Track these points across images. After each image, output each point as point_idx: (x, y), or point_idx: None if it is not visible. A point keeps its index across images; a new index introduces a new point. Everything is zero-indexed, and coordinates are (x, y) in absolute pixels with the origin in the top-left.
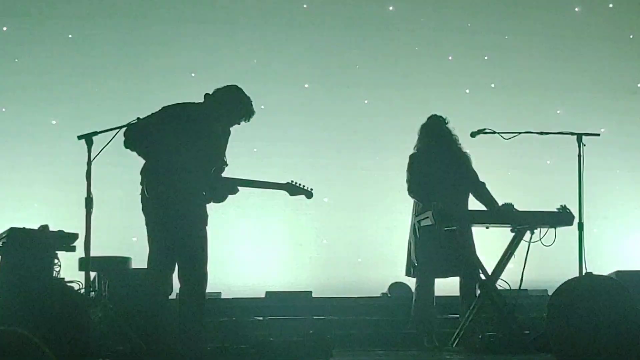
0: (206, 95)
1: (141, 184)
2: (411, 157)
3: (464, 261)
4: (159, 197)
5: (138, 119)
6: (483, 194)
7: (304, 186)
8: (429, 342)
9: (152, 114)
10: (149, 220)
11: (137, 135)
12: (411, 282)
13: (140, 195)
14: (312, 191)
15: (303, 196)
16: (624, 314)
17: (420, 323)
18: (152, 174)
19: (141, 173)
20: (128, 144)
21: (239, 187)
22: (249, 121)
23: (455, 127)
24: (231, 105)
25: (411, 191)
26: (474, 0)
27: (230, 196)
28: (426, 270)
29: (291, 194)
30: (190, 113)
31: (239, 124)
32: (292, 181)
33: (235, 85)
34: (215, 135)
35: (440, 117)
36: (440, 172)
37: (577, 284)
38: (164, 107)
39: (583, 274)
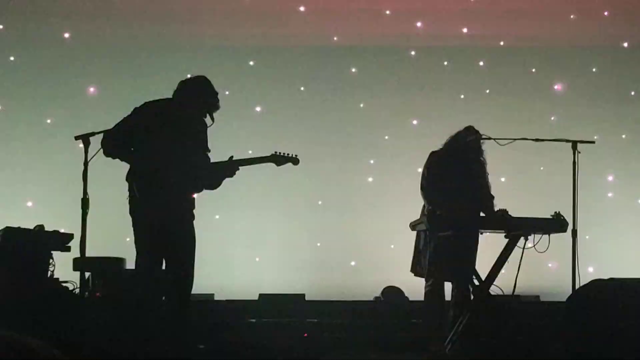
0: (176, 90)
1: (129, 189)
2: (432, 154)
3: (458, 267)
4: (146, 196)
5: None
6: (487, 209)
7: (289, 154)
8: (435, 347)
9: (125, 117)
10: (137, 221)
11: (114, 141)
12: (408, 283)
13: (128, 199)
14: (298, 157)
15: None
16: None
17: (430, 328)
18: (137, 175)
19: (127, 178)
20: (108, 152)
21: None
22: (214, 112)
23: (450, 132)
24: (199, 95)
25: (424, 190)
26: (469, 6)
27: (225, 196)
28: (435, 275)
29: (278, 165)
30: (163, 109)
31: (210, 114)
32: (276, 152)
33: (202, 76)
34: (191, 126)
35: (476, 131)
36: (455, 178)
37: (600, 288)
38: (135, 109)
39: (576, 280)
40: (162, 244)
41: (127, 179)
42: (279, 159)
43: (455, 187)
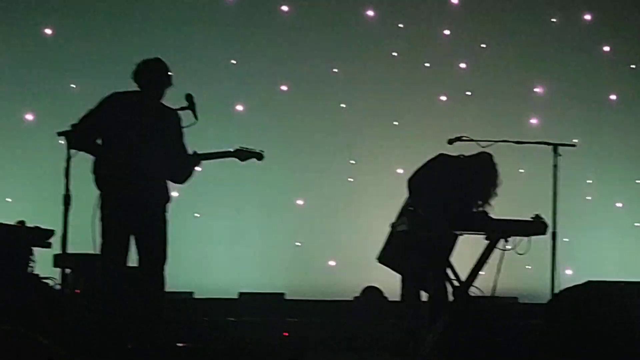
0: (135, 80)
1: (95, 180)
2: (442, 156)
3: (435, 269)
4: (114, 188)
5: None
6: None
7: (253, 150)
8: (414, 349)
9: (92, 109)
10: (105, 212)
11: (80, 134)
12: (388, 284)
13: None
14: (263, 153)
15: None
16: (627, 321)
17: (408, 328)
18: (104, 166)
19: (93, 170)
20: (74, 145)
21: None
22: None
23: (431, 133)
24: (157, 78)
25: (414, 182)
26: (451, 8)
27: (204, 195)
28: (413, 276)
29: (242, 160)
30: (130, 100)
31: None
32: (241, 147)
33: (146, 60)
34: (163, 119)
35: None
36: (453, 194)
37: (580, 291)
38: (101, 100)
39: (555, 283)
40: (131, 235)
41: (92, 171)
42: (243, 154)
43: (445, 197)
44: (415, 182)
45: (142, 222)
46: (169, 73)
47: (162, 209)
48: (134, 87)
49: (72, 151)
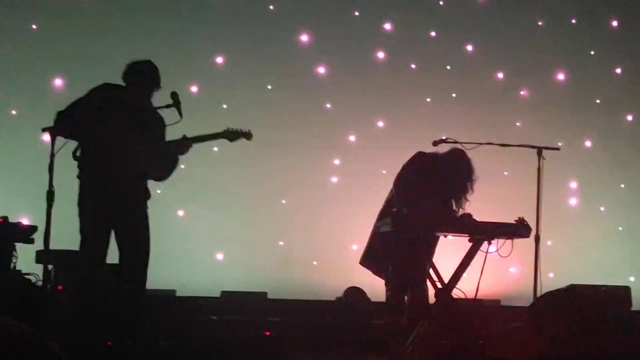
0: (124, 77)
1: (78, 167)
2: (420, 154)
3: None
4: (95, 178)
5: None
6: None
7: (241, 130)
8: (396, 350)
9: (80, 98)
10: (84, 207)
11: (66, 120)
12: (370, 284)
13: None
14: (251, 132)
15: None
16: (609, 325)
17: (390, 329)
18: (87, 157)
19: (75, 158)
20: (58, 131)
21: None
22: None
23: (416, 135)
24: (147, 82)
25: (398, 185)
26: (438, 10)
27: (188, 193)
28: (396, 278)
29: (231, 140)
30: (119, 93)
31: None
32: (229, 127)
33: (137, 61)
34: (147, 115)
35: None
36: (432, 190)
37: (563, 295)
38: (91, 90)
39: (538, 286)
40: (110, 230)
41: (74, 158)
42: (231, 135)
43: (426, 194)
44: (397, 181)
45: (122, 217)
46: (159, 76)
47: (142, 205)
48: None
49: (57, 146)
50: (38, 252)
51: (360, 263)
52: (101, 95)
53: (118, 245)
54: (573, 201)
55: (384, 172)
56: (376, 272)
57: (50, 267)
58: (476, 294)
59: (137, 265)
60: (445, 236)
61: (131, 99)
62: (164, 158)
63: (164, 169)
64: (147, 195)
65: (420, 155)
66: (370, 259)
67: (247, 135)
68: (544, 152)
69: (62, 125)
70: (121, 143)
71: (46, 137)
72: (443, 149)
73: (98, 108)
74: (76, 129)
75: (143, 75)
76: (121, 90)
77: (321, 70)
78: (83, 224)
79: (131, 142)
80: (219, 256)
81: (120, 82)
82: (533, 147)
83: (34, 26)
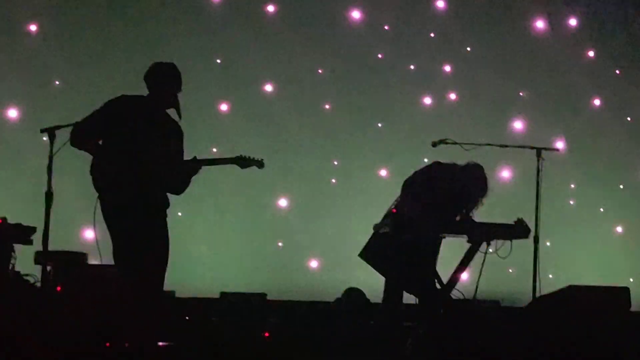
0: (146, 81)
1: (93, 181)
2: (437, 164)
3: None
4: (111, 190)
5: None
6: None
7: (254, 157)
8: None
9: (98, 109)
10: (107, 217)
11: (84, 133)
12: (370, 286)
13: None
14: (263, 161)
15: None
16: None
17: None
18: (102, 169)
19: (91, 171)
20: (75, 143)
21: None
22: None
23: (415, 136)
24: (168, 84)
25: (405, 184)
26: (437, 12)
27: (188, 194)
28: (395, 279)
29: (242, 167)
30: (136, 105)
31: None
32: (241, 155)
33: (160, 62)
34: (166, 126)
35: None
36: (443, 202)
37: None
38: (108, 102)
39: (537, 286)
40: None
41: (91, 173)
42: (243, 161)
43: (437, 206)
44: (407, 184)
45: (142, 227)
46: (180, 79)
47: (162, 214)
48: (126, 86)
49: (56, 147)
50: (37, 253)
51: (360, 255)
52: (119, 107)
53: (137, 253)
54: (572, 202)
55: (383, 172)
56: (374, 267)
57: (49, 268)
58: (475, 295)
59: (155, 273)
60: (444, 237)
61: (149, 109)
62: (180, 173)
63: (178, 184)
64: (166, 204)
65: (437, 167)
66: (369, 255)
67: (259, 164)
68: (544, 152)
69: (79, 138)
70: (139, 154)
71: (45, 138)
72: (446, 151)
73: (116, 120)
74: (92, 140)
75: (164, 77)
76: (138, 99)
77: (320, 70)
78: (111, 234)
79: (150, 155)
80: (218, 257)
81: (116, 82)
82: (532, 148)
83: (32, 27)
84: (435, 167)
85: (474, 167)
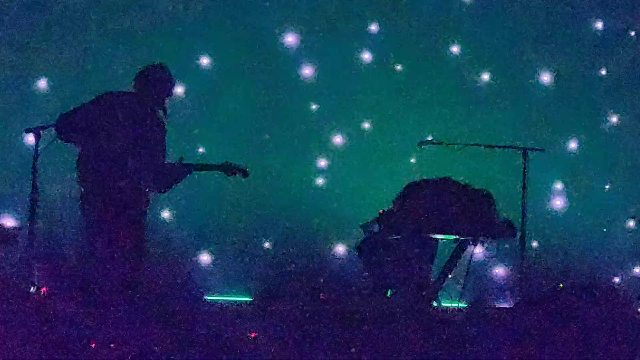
0: (135, 83)
1: (78, 176)
2: (446, 179)
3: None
4: (96, 185)
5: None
6: None
7: (239, 166)
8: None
9: (86, 104)
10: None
11: (71, 125)
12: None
13: (81, 190)
14: (248, 170)
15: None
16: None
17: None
18: (87, 164)
19: (78, 166)
20: (63, 135)
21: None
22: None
23: (402, 136)
24: (159, 85)
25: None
26: (425, 11)
27: (173, 195)
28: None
29: (228, 175)
30: (126, 102)
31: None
32: (227, 162)
33: (155, 64)
34: (152, 124)
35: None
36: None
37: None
38: (97, 97)
39: (523, 287)
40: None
41: (77, 167)
42: (229, 168)
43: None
44: (410, 186)
45: (122, 222)
46: (172, 82)
47: (142, 212)
48: (123, 86)
49: (41, 147)
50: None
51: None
52: (107, 103)
53: (114, 244)
54: (558, 202)
55: (371, 173)
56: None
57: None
58: (460, 296)
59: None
60: (431, 237)
61: (137, 107)
62: (165, 170)
63: (161, 182)
64: (147, 202)
65: (446, 181)
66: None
67: (244, 173)
68: (530, 153)
69: (64, 128)
70: (124, 152)
71: (30, 138)
72: (433, 152)
73: (103, 116)
74: (77, 133)
75: (155, 81)
76: (127, 97)
77: (306, 70)
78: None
79: (133, 152)
80: (204, 259)
81: (99, 81)
82: (518, 148)
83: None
84: (445, 183)
85: (485, 194)
